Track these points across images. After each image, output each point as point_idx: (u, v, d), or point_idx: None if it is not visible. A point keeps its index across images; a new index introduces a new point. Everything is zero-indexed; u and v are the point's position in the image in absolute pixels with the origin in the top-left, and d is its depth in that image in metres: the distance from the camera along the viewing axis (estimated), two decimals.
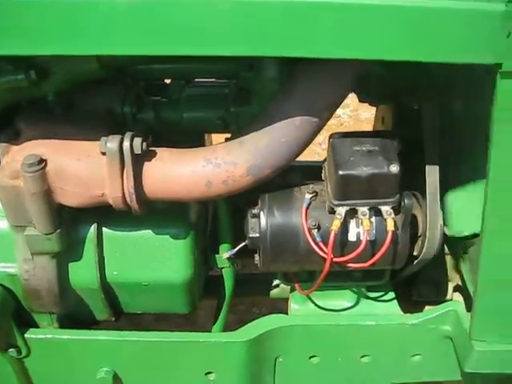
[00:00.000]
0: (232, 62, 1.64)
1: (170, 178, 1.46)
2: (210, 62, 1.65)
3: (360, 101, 1.74)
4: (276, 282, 1.96)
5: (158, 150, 1.48)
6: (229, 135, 1.59)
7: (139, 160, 1.44)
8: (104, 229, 1.62)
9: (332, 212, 1.48)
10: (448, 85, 1.69)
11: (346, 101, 1.60)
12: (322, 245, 1.48)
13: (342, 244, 1.52)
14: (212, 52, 1.20)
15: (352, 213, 1.49)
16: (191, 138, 1.71)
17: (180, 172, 1.45)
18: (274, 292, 1.99)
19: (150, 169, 1.45)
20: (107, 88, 1.64)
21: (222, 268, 1.81)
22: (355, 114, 4.24)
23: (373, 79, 1.67)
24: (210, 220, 1.85)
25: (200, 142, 1.80)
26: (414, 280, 1.97)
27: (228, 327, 3.01)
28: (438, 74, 1.67)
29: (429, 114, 1.64)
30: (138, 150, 1.42)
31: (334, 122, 4.23)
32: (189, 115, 1.68)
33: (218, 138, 1.73)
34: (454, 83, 1.68)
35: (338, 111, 4.29)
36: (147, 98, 1.69)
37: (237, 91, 1.67)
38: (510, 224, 1.42)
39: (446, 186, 1.69)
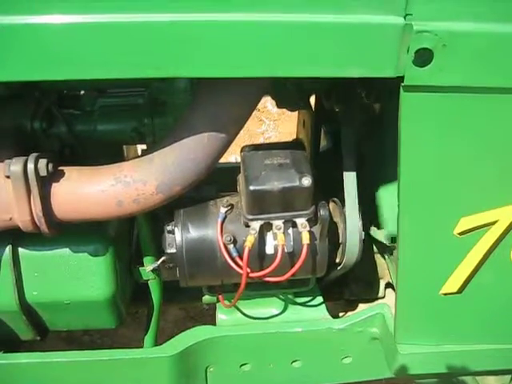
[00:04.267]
0: None
1: (80, 198, 1.41)
2: None
3: (278, 107, 1.71)
4: None
5: (66, 169, 1.43)
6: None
7: (46, 181, 1.39)
8: (20, 249, 1.57)
9: (247, 226, 1.46)
10: (367, 88, 1.67)
11: None
12: (238, 260, 1.46)
13: (260, 257, 1.50)
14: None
15: (268, 226, 1.47)
16: (108, 150, 1.66)
17: (89, 192, 1.41)
18: (205, 298, 1.96)
19: (58, 190, 1.41)
20: (15, 104, 1.58)
21: (148, 280, 1.77)
22: None
23: (289, 85, 1.64)
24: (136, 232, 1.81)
25: (118, 154, 1.75)
26: (345, 279, 1.97)
27: (177, 323, 3.01)
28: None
29: (346, 120, 1.62)
30: (43, 172, 1.37)
31: (276, 110, 4.19)
32: (102, 127, 1.63)
33: None
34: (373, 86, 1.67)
35: None
36: (59, 112, 1.63)
37: (151, 102, 1.63)
38: (421, 226, 1.42)
39: (375, 188, 1.69)
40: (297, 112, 2.16)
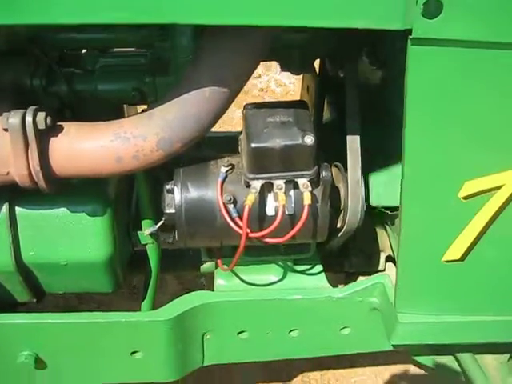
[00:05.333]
0: (146, 31, 1.56)
1: (78, 153, 1.39)
2: (124, 30, 1.58)
3: (282, 70, 1.68)
4: None
5: (64, 124, 1.41)
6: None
7: (44, 136, 1.37)
8: (17, 208, 1.55)
9: (248, 186, 1.44)
10: (372, 52, 1.65)
11: None
12: (237, 220, 1.43)
13: (260, 218, 1.48)
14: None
15: (269, 186, 1.44)
16: (109, 110, 1.64)
17: (88, 147, 1.39)
18: (203, 267, 1.94)
19: (56, 144, 1.38)
20: (15, 60, 1.56)
21: (146, 244, 1.75)
22: None
23: (293, 48, 1.61)
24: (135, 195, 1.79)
25: (119, 114, 1.73)
26: (346, 251, 1.95)
27: (175, 296, 3.00)
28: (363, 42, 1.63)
29: (351, 83, 1.59)
30: (41, 125, 1.35)
31: (280, 90, 4.18)
32: (103, 87, 1.60)
33: None
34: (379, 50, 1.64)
35: (284, 80, 4.25)
36: (59, 70, 1.61)
37: (153, 61, 1.61)
38: (425, 190, 1.40)
39: (375, 158, 1.67)
40: (300, 89, 2.14)
